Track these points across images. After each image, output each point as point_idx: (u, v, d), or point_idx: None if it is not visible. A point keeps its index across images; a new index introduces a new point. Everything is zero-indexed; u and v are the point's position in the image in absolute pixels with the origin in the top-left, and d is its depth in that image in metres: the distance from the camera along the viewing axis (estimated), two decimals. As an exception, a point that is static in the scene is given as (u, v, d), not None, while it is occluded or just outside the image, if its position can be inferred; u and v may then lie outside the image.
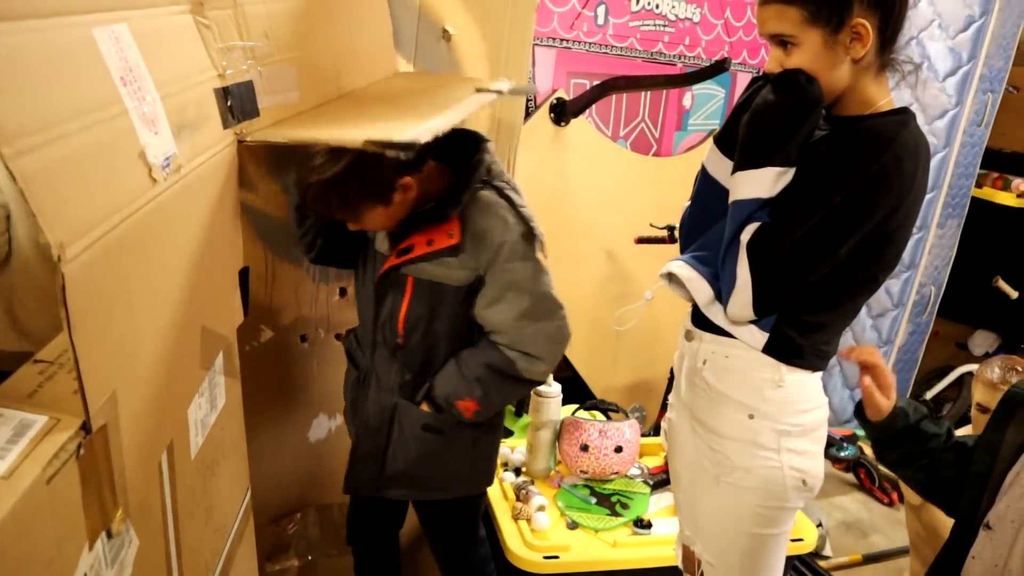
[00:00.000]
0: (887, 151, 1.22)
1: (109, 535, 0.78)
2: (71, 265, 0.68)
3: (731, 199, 1.32)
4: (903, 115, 1.29)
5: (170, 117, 0.93)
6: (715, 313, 1.37)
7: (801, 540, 2.16)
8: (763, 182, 1.26)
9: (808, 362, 1.35)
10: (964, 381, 3.51)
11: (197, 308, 1.02)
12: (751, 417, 1.35)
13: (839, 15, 1.21)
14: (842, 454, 3.21)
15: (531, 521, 2.11)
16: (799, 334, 1.32)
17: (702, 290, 1.39)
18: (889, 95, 1.33)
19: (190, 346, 1.01)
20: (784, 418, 1.35)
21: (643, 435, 2.44)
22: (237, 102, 1.14)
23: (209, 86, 1.06)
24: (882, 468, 3.11)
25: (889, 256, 1.30)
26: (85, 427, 0.72)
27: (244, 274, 1.24)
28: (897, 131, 1.24)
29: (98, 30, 0.81)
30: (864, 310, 3.39)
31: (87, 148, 0.75)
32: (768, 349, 1.32)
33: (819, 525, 2.63)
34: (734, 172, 1.31)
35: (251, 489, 1.50)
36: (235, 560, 1.36)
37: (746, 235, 1.27)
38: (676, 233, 2.84)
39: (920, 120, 3.09)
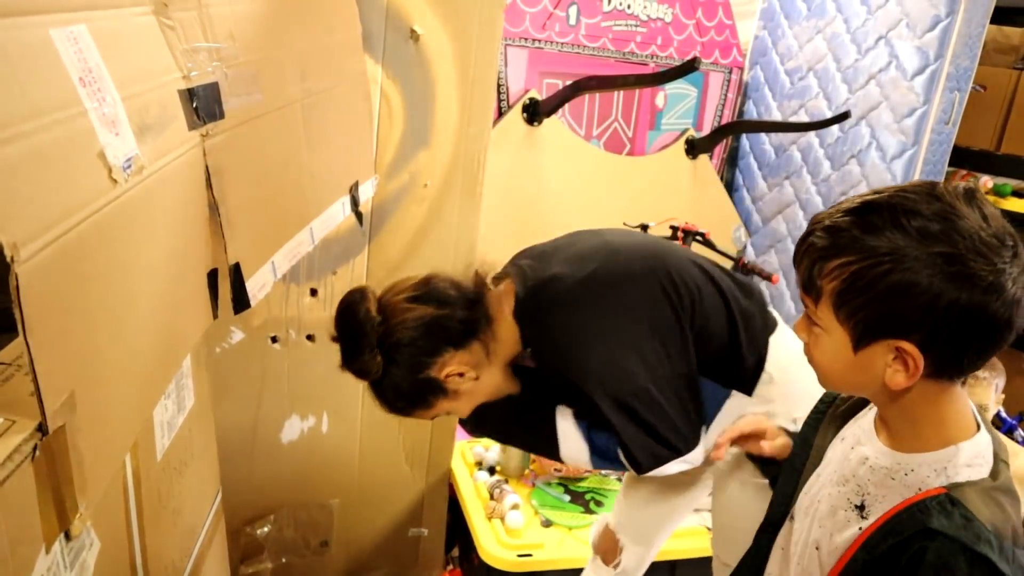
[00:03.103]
0: None
1: (68, 537, 0.78)
2: (26, 266, 0.68)
3: None
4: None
5: (132, 118, 0.93)
6: None
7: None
8: None
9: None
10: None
11: (163, 310, 1.02)
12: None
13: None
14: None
15: (505, 520, 2.12)
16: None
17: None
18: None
19: (155, 348, 1.00)
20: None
21: (617, 433, 2.45)
22: (203, 104, 1.13)
23: (173, 87, 1.06)
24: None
25: None
26: (41, 428, 0.71)
27: (213, 276, 1.23)
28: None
29: (55, 31, 0.81)
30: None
31: (43, 149, 0.74)
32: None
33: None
34: None
35: (222, 491, 1.49)
36: (205, 562, 1.35)
37: None
38: (649, 231, 2.87)
39: (888, 119, 3.14)
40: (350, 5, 1.69)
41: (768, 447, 1.23)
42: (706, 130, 3.59)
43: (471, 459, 2.45)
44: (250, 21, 1.32)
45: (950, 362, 0.86)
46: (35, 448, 0.71)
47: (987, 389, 2.01)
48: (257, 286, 1.35)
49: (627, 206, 3.11)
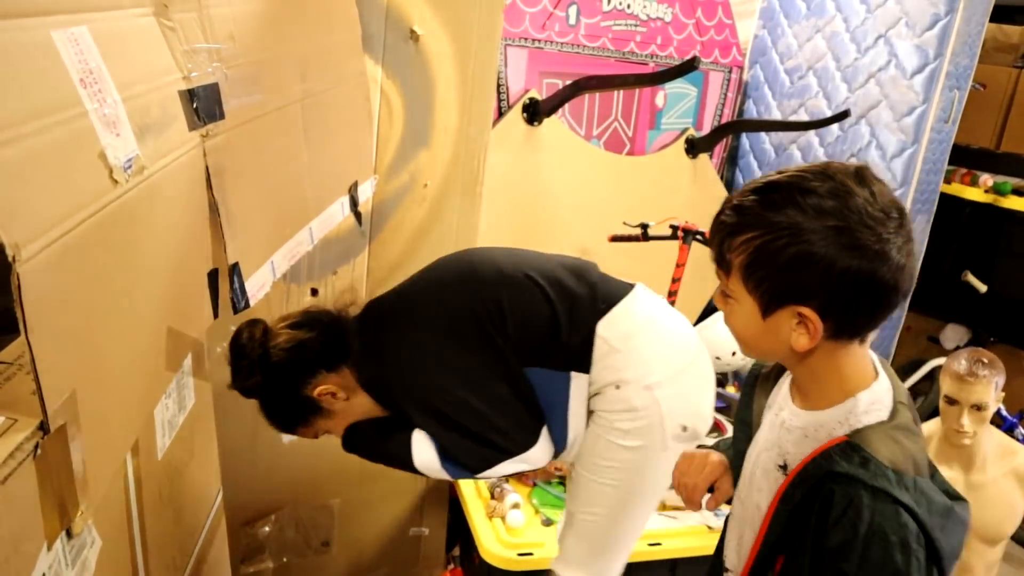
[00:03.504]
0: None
1: (69, 535, 0.79)
2: (27, 265, 0.68)
3: None
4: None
5: (132, 119, 0.93)
6: None
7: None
8: None
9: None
10: (936, 375, 3.56)
11: (164, 309, 1.02)
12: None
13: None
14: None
15: (506, 519, 2.12)
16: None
17: None
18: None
19: (156, 347, 1.01)
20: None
21: (617, 432, 2.46)
22: (203, 104, 1.14)
23: (174, 88, 1.06)
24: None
25: None
26: (43, 427, 0.72)
27: (213, 275, 1.24)
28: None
29: (56, 32, 0.81)
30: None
31: (45, 149, 0.75)
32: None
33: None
34: None
35: (223, 491, 1.50)
36: (207, 561, 1.36)
37: None
38: (650, 231, 2.88)
39: (888, 117, 3.15)
40: (350, 6, 1.70)
41: (720, 492, 1.28)
42: (706, 129, 3.59)
43: (472, 458, 2.45)
44: (250, 22, 1.33)
45: (846, 324, 0.94)
46: (36, 447, 0.71)
47: (987, 387, 2.01)
48: (256, 286, 1.35)
49: (627, 205, 3.11)
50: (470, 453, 1.48)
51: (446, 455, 1.49)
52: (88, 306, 0.81)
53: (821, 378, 1.00)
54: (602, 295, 1.54)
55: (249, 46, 1.31)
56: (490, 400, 1.46)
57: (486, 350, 1.47)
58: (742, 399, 1.23)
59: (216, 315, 1.30)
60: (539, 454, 1.51)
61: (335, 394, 1.50)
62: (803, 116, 3.53)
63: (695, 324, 3.33)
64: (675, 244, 2.83)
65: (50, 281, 0.73)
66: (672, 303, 2.82)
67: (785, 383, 1.12)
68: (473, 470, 1.51)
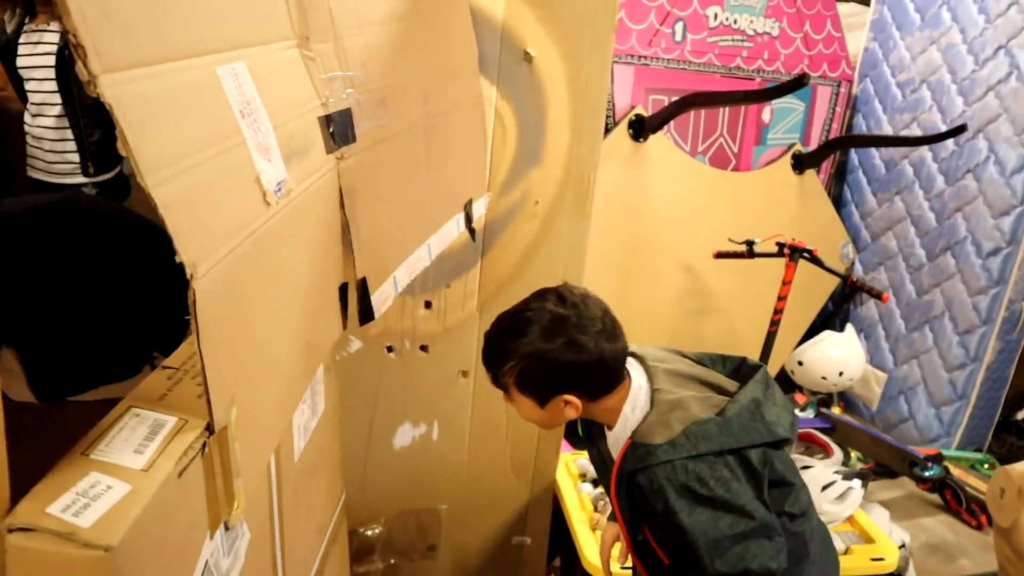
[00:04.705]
0: None
1: (227, 527, 0.86)
2: (201, 282, 0.76)
3: None
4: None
5: (281, 145, 1.01)
6: None
7: (882, 560, 2.14)
8: None
9: None
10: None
11: (304, 321, 1.10)
12: None
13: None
14: (927, 474, 3.13)
15: (609, 531, 2.14)
16: None
17: None
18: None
19: (297, 356, 1.08)
20: None
21: (721, 449, 2.45)
22: (338, 128, 1.22)
23: (314, 115, 1.14)
24: (970, 489, 3.03)
25: None
26: (209, 428, 0.79)
27: (343, 289, 1.31)
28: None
29: (221, 68, 0.90)
30: (950, 326, 3.32)
31: (213, 176, 0.83)
32: None
33: (902, 546, 2.59)
34: None
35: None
36: (330, 559, 1.44)
37: None
38: (755, 248, 2.86)
39: (1008, 131, 3.04)
40: (468, 30, 1.76)
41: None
42: (814, 144, 3.54)
43: (575, 471, 2.49)
44: (379, 49, 1.40)
45: (595, 391, 1.37)
46: (204, 445, 0.79)
47: None
48: (381, 299, 1.43)
49: (733, 222, 3.10)
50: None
51: None
52: (245, 319, 0.89)
53: (600, 416, 1.42)
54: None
55: (378, 72, 1.39)
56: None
57: None
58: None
59: (345, 327, 1.38)
60: None
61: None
62: (915, 131, 3.44)
63: (800, 343, 3.29)
64: (781, 261, 2.81)
65: (217, 296, 0.80)
66: (777, 322, 2.79)
67: None
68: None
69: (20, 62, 2.92)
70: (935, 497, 3.16)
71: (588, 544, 2.13)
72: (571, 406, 1.35)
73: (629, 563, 1.64)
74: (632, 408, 1.37)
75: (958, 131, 3.07)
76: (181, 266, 0.73)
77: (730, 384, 1.42)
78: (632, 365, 1.41)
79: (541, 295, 1.38)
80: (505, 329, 1.37)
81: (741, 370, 1.48)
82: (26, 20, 2.91)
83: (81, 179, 2.95)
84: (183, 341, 1.03)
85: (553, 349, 1.30)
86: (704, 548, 1.24)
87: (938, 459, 3.19)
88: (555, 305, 1.34)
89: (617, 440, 1.39)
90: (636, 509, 1.38)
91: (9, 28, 2.90)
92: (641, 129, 2.89)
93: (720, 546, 1.24)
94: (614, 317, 1.37)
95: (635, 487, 1.32)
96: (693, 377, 1.41)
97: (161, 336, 1.40)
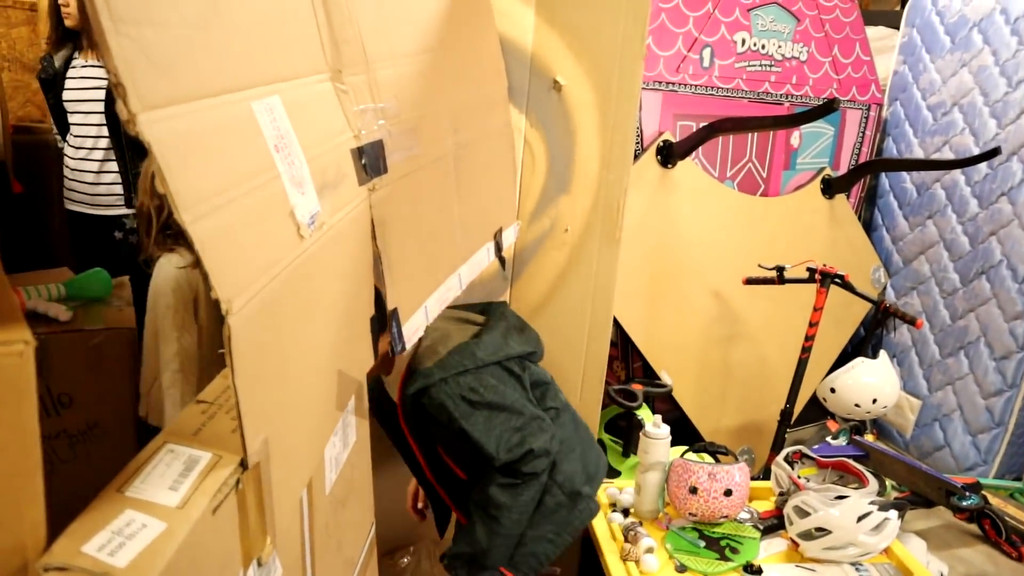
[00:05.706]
0: None
1: (259, 563, 0.85)
2: (236, 317, 0.76)
3: None
4: None
5: (315, 178, 1.01)
6: None
7: (921, 592, 2.09)
8: None
9: None
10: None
11: (336, 353, 1.10)
12: None
13: None
14: (964, 503, 3.06)
15: (640, 563, 2.11)
16: None
17: None
18: None
19: (329, 389, 1.08)
20: None
21: (753, 478, 2.42)
22: (370, 160, 1.22)
23: (346, 147, 1.15)
24: (1009, 520, 2.96)
25: None
26: (243, 463, 0.79)
27: (374, 321, 1.31)
28: None
29: (256, 103, 0.90)
30: (986, 352, 3.26)
31: (248, 211, 0.83)
32: None
33: (940, 577, 2.54)
34: None
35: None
36: (359, 591, 1.42)
37: None
38: (786, 274, 2.83)
39: None
40: (498, 59, 1.77)
41: None
42: (843, 169, 3.51)
43: (605, 500, 2.46)
44: (411, 80, 1.41)
45: None
46: (238, 481, 0.78)
47: None
48: (412, 330, 1.43)
49: (762, 248, 3.08)
50: None
51: None
52: (278, 353, 0.89)
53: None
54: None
55: (409, 103, 1.40)
56: None
57: None
58: None
59: (376, 358, 1.38)
60: None
61: None
62: (947, 154, 3.40)
63: (832, 369, 3.25)
64: (812, 287, 2.77)
65: (251, 331, 0.80)
66: (809, 348, 2.76)
67: None
68: None
69: (67, 95, 2.98)
70: (973, 527, 3.09)
71: (619, 575, 2.09)
72: None
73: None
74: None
75: (992, 154, 3.04)
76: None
77: (480, 319, 1.78)
78: None
79: None
80: None
81: (488, 309, 1.83)
82: (74, 55, 2.98)
83: (123, 210, 3.00)
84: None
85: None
86: (488, 444, 1.53)
87: (976, 488, 3.12)
88: None
89: (394, 380, 1.66)
90: (427, 432, 1.68)
91: (58, 62, 2.97)
92: (669, 155, 2.88)
93: (501, 440, 1.54)
94: None
95: (421, 410, 1.61)
96: (450, 318, 1.76)
97: None
